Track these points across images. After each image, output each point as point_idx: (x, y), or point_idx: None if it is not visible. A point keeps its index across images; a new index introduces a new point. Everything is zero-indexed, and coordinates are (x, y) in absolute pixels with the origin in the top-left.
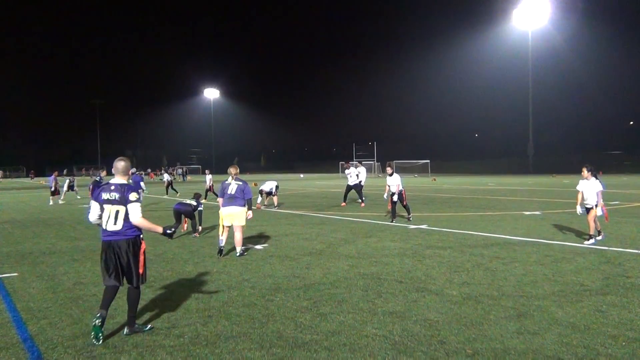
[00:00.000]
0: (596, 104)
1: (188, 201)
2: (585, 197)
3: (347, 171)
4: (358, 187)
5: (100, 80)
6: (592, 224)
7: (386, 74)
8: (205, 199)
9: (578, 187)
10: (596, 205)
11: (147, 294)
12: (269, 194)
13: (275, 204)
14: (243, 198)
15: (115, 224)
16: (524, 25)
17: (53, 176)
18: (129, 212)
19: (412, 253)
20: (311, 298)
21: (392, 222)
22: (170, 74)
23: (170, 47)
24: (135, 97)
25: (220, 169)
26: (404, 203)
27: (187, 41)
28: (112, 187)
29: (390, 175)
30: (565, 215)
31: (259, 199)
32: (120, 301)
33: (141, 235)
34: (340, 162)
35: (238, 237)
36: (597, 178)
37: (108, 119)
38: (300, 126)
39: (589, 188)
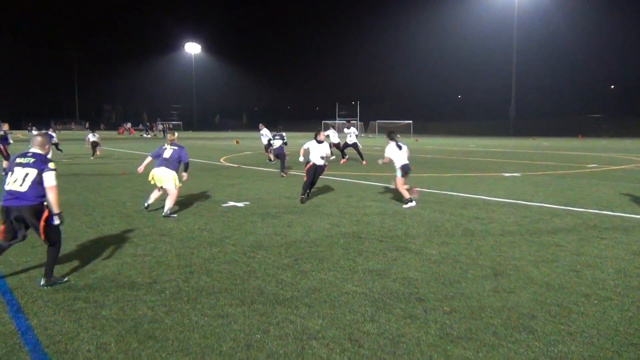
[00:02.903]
0: (578, 67)
1: (280, 144)
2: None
3: (346, 130)
4: (347, 146)
5: (77, 31)
6: (402, 191)
7: (371, 33)
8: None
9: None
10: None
11: (128, 249)
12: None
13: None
14: (178, 162)
15: (21, 185)
16: None
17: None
18: (46, 177)
19: (392, 212)
20: (292, 256)
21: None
22: (151, 27)
23: None
24: (114, 50)
25: (202, 126)
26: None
27: None
28: (30, 154)
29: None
30: (544, 177)
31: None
32: (101, 256)
33: (45, 203)
34: (324, 122)
35: (169, 201)
36: (399, 146)
37: (86, 72)
38: (283, 84)
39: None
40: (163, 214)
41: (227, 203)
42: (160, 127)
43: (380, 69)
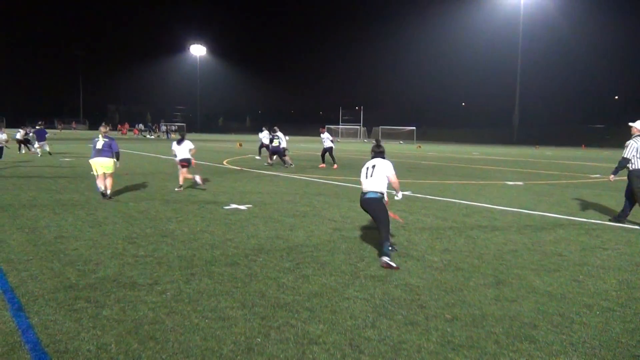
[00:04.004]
0: (583, 77)
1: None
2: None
3: (321, 136)
4: (330, 150)
5: (83, 30)
6: (181, 177)
7: (375, 39)
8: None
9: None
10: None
11: (130, 250)
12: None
13: (290, 162)
14: (110, 151)
15: None
16: None
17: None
18: None
19: (394, 219)
20: (294, 260)
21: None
22: (156, 28)
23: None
24: (119, 50)
25: (205, 129)
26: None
27: None
28: None
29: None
30: (547, 187)
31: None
32: (102, 256)
33: None
34: (327, 126)
35: (109, 183)
36: (180, 142)
37: (90, 71)
38: (287, 88)
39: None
40: (108, 195)
41: (229, 205)
42: (163, 128)
43: (385, 75)
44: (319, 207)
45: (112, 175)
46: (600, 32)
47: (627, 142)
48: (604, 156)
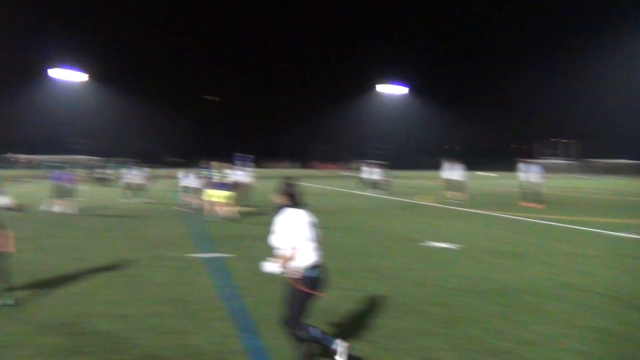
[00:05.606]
0: None
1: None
2: None
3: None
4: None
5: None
6: None
7: (574, 63)
8: None
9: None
10: None
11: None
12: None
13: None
14: None
15: None
16: None
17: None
18: None
19: (618, 264)
20: (502, 303)
21: None
22: (342, 68)
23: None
24: (314, 95)
25: (397, 165)
26: None
27: (365, 31)
28: None
29: None
30: None
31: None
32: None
33: None
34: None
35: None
36: None
37: (292, 113)
38: (475, 120)
39: None
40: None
41: (431, 243)
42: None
43: (598, 100)
44: (532, 249)
45: None
46: None
47: None
48: None
